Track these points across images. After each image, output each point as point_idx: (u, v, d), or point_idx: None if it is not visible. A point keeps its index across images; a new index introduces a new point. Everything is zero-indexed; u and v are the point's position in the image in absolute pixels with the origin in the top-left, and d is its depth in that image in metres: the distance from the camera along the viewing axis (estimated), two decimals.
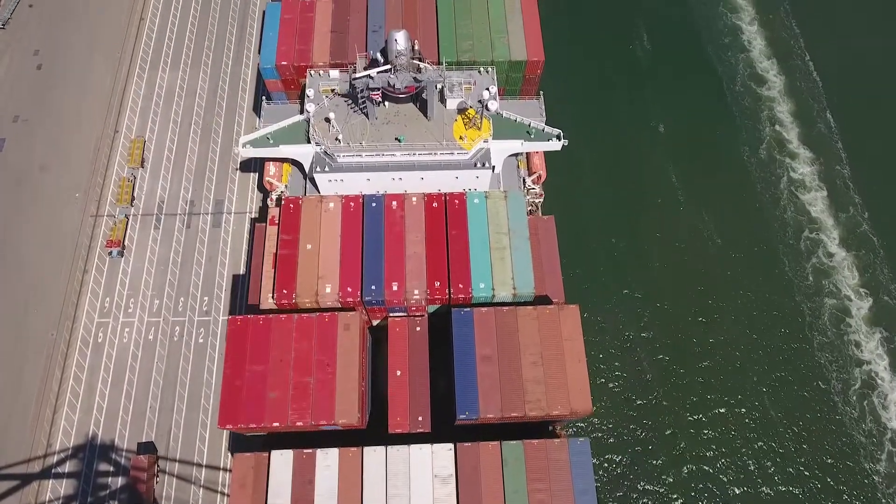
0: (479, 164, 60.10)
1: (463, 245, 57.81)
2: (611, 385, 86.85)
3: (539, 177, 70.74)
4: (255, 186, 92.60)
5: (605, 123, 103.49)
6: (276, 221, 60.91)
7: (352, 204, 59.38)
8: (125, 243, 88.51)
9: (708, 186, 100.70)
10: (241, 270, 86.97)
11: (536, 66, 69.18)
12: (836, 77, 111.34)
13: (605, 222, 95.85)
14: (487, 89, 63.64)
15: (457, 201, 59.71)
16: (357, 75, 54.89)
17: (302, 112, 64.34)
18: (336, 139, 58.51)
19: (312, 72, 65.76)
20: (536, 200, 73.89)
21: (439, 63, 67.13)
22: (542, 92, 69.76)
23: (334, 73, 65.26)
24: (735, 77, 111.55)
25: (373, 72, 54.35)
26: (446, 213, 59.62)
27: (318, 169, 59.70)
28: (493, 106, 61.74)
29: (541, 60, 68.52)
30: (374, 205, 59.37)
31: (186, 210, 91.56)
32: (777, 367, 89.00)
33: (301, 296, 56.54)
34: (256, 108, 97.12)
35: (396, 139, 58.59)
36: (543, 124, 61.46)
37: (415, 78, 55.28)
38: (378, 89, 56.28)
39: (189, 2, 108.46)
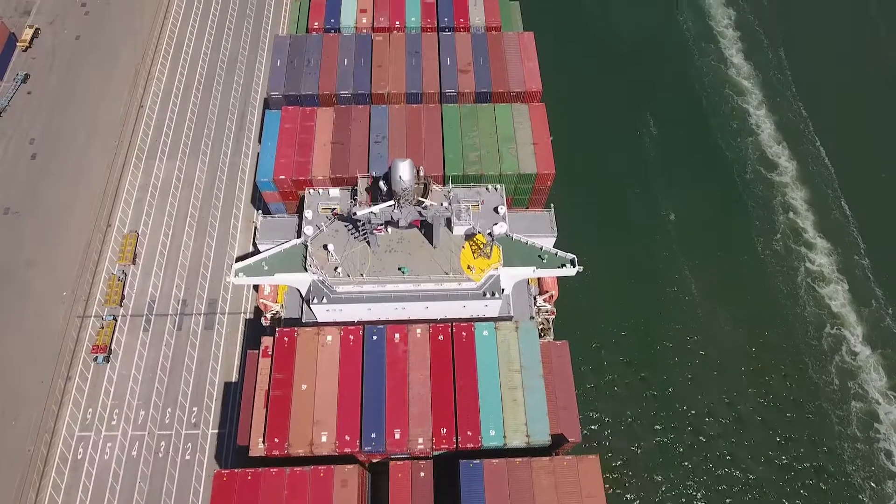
0: (488, 294, 56.31)
1: (471, 384, 53.33)
2: None
3: (551, 296, 66.89)
4: (251, 285, 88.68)
5: (616, 216, 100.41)
6: (270, 353, 56.54)
7: (351, 337, 55.21)
8: (112, 347, 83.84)
9: (723, 280, 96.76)
10: (234, 377, 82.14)
11: (547, 178, 66.19)
12: (848, 162, 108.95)
13: (618, 334, 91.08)
14: (496, 209, 60.41)
15: (464, 333, 55.55)
16: (359, 212, 51.58)
17: (300, 231, 60.93)
18: (335, 269, 54.86)
19: (311, 190, 62.71)
20: (548, 317, 69.86)
21: (445, 179, 64.13)
22: (552, 205, 66.57)
23: (334, 191, 62.24)
24: (745, 163, 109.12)
25: (375, 208, 51.09)
26: (453, 347, 55.40)
27: (315, 300, 55.89)
28: (503, 228, 58.34)
29: (551, 173, 65.53)
30: (375, 338, 55.22)
31: (178, 310, 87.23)
32: (805, 476, 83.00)
33: (294, 445, 51.69)
34: (255, 200, 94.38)
35: (400, 269, 54.98)
36: (556, 249, 57.98)
37: (420, 212, 52.00)
38: (381, 225, 53.01)
39: (190, 89, 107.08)
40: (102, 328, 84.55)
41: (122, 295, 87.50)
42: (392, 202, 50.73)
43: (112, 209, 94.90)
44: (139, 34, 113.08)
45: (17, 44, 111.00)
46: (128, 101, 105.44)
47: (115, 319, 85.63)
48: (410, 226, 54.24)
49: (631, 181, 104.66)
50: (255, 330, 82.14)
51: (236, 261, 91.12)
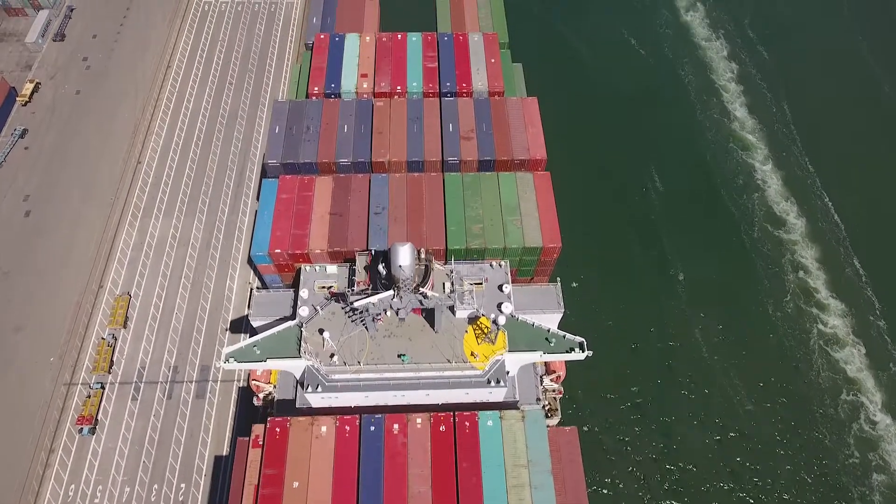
0: (493, 382, 53.27)
1: (475, 483, 49.82)
2: None
3: (558, 377, 63.80)
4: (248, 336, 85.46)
5: (623, 277, 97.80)
6: (261, 443, 53.10)
7: (347, 427, 51.95)
8: (98, 418, 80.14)
9: (734, 345, 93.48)
10: (224, 451, 78.31)
11: (553, 251, 63.77)
12: (859, 218, 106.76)
13: (629, 409, 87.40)
14: (500, 288, 57.80)
15: (467, 424, 52.31)
16: (357, 303, 48.99)
17: (295, 307, 58.24)
18: (331, 356, 51.99)
19: (307, 267, 60.28)
20: (555, 396, 66.57)
21: (447, 253, 61.72)
22: (558, 279, 63.97)
23: (332, 268, 59.82)
24: (752, 219, 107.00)
25: (374, 299, 48.52)
26: (455, 439, 52.05)
27: (309, 388, 52.85)
28: (508, 309, 55.63)
29: (557, 247, 63.13)
30: (372, 429, 51.97)
31: (169, 377, 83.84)
32: None
33: None
34: (252, 261, 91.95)
35: (400, 357, 52.10)
36: (564, 332, 55.17)
37: (420, 301, 49.43)
38: (380, 314, 50.40)
39: (189, 145, 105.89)
40: (89, 397, 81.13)
41: (111, 361, 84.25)
42: (391, 291, 48.20)
43: (105, 269, 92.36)
44: (140, 89, 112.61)
45: (17, 98, 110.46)
46: (126, 157, 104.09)
47: (103, 388, 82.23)
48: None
49: (638, 240, 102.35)
50: (248, 400, 78.74)
51: (230, 325, 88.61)
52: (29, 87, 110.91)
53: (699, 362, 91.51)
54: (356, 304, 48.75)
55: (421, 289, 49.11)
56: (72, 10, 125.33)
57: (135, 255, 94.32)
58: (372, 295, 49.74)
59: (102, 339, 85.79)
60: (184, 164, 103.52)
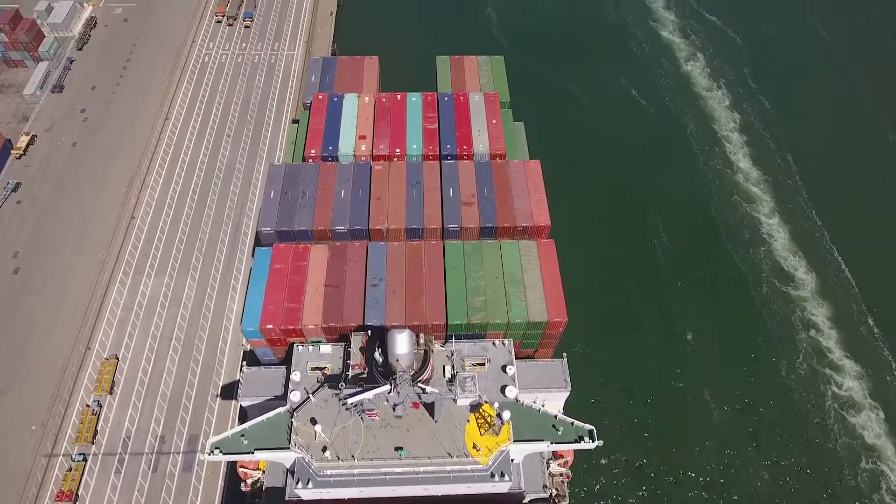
0: (497, 476, 49.70)
1: None
2: None
3: (566, 462, 60.19)
4: (237, 418, 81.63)
5: (631, 338, 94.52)
6: None
7: None
8: (79, 493, 75.97)
9: (746, 412, 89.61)
10: None
11: (558, 325, 60.65)
12: (871, 274, 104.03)
13: (639, 488, 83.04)
14: (504, 369, 54.64)
15: None
16: (350, 399, 45.89)
17: (287, 387, 54.94)
18: (323, 449, 48.57)
19: (300, 347, 57.26)
20: (563, 480, 62.76)
21: (447, 328, 58.68)
22: (564, 355, 60.84)
23: (326, 347, 56.81)
24: (760, 275, 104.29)
25: (369, 394, 45.42)
26: None
27: (299, 484, 49.24)
28: (512, 393, 52.38)
29: (563, 321, 60.05)
30: None
31: (155, 448, 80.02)
32: None
33: None
34: None
35: (397, 450, 48.68)
36: (572, 420, 51.91)
37: (419, 395, 46.36)
38: (375, 410, 47.26)
39: (184, 199, 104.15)
40: (70, 470, 77.23)
41: (95, 430, 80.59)
42: (388, 386, 45.14)
43: (93, 330, 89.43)
44: (137, 141, 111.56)
45: (12, 151, 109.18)
46: (119, 212, 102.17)
47: (86, 460, 78.38)
48: None
49: (645, 299, 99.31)
50: (237, 476, 74.65)
51: (221, 390, 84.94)
52: (24, 139, 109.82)
53: (711, 430, 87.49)
54: (350, 402, 45.66)
55: (420, 376, 46.09)
56: (72, 62, 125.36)
57: (124, 314, 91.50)
58: (368, 385, 46.66)
59: (87, 406, 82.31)
60: (178, 219, 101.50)
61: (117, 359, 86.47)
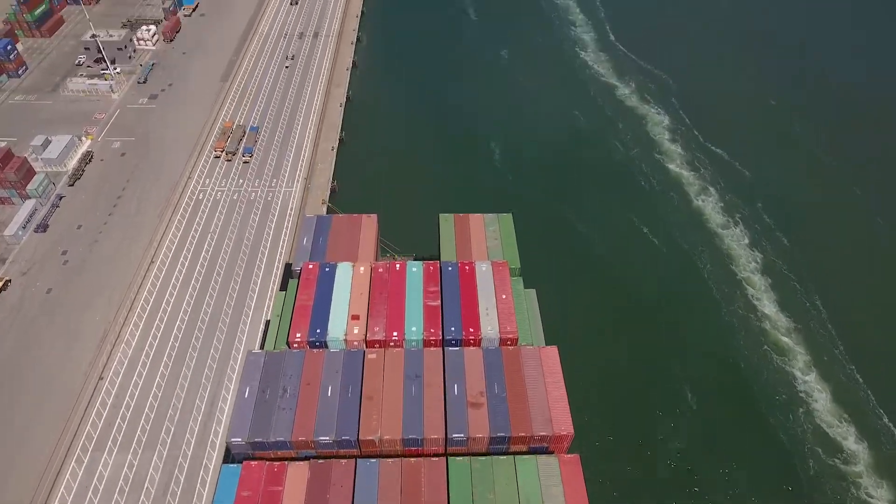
0: None
1: None
2: None
3: None
4: None
5: None
6: None
7: None
8: None
9: None
10: None
11: None
12: None
13: None
14: None
15: None
16: None
17: None
18: None
19: None
20: None
21: None
22: None
23: None
24: (804, 448, 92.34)
25: None
26: None
27: None
28: None
29: None
30: None
31: None
32: None
33: None
34: None
35: None
36: None
37: None
38: None
39: (160, 358, 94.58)
40: None
41: None
42: None
43: None
44: (117, 288, 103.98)
45: None
46: (88, 371, 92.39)
47: None
48: None
49: (681, 490, 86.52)
50: None
51: None
52: None
53: None
54: None
55: None
56: (60, 199, 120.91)
57: (77, 501, 78.90)
58: None
59: None
60: (151, 381, 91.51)
61: None
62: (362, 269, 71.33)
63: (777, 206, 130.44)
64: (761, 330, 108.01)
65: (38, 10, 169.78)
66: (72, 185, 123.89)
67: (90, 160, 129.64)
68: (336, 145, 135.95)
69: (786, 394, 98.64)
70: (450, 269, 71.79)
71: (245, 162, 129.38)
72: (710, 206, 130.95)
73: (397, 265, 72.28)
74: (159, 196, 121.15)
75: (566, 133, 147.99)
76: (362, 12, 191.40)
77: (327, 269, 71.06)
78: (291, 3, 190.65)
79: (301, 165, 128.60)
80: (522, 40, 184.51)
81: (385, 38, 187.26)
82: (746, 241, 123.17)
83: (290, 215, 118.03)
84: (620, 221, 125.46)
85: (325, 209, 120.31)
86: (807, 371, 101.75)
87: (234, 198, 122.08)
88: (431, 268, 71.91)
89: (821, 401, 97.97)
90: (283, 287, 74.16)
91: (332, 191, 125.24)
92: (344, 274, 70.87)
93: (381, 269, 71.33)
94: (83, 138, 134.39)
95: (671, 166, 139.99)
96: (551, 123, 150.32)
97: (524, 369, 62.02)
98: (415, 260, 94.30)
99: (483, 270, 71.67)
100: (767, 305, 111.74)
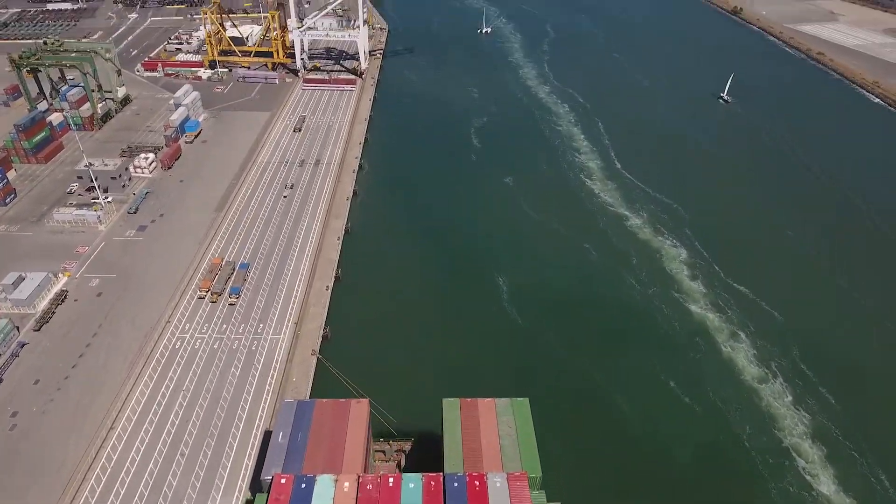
0: None
1: None
2: None
3: None
4: None
5: None
6: None
7: None
8: None
9: None
10: None
11: None
12: None
13: None
14: None
15: None
16: None
17: None
18: None
19: None
20: None
21: None
22: None
23: None
24: None
25: None
26: None
27: None
28: None
29: None
30: None
31: None
32: None
33: None
34: None
35: None
36: None
37: None
38: None
39: None
40: None
41: None
42: None
43: None
44: (65, 466, 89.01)
45: None
46: None
47: None
48: None
49: None
50: None
51: None
52: None
53: None
54: None
55: None
56: (22, 347, 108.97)
57: None
58: None
59: None
60: None
61: None
62: (346, 484, 57.81)
63: (816, 356, 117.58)
64: None
65: (38, 137, 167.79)
66: (37, 329, 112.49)
67: (63, 300, 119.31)
68: (331, 284, 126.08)
69: None
70: (455, 484, 58.20)
71: (231, 304, 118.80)
72: (742, 354, 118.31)
73: (390, 479, 58.75)
74: (131, 345, 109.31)
75: (577, 270, 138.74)
76: (365, 139, 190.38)
77: (304, 486, 57.53)
78: (295, 130, 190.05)
79: (291, 310, 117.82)
80: (527, 168, 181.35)
81: (387, 166, 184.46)
82: (790, 398, 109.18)
83: (274, 369, 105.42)
84: (645, 375, 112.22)
85: (314, 361, 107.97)
86: None
87: (215, 347, 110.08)
88: (433, 483, 58.28)
89: None
90: (252, 495, 60.44)
91: (324, 338, 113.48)
92: (324, 491, 57.41)
93: (369, 486, 57.70)
94: (59, 275, 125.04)
95: (693, 307, 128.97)
96: (561, 258, 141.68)
97: None
98: (412, 447, 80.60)
99: (497, 486, 58.22)
100: (824, 483, 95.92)
